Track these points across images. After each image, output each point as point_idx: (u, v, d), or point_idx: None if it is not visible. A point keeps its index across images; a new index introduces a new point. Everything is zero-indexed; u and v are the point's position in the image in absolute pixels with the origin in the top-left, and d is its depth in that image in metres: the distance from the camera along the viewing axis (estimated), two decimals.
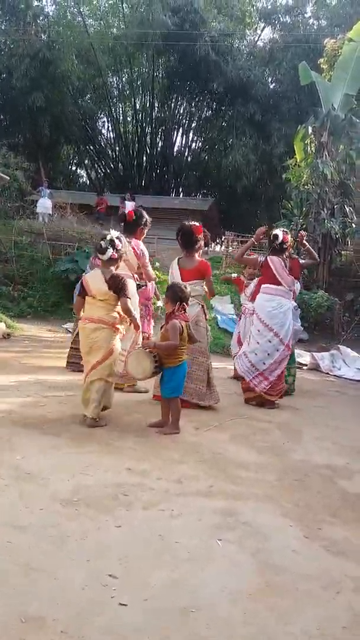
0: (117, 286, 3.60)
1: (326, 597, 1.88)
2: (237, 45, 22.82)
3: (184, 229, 4.59)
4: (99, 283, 3.64)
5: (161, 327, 3.88)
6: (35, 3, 21.73)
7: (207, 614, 1.70)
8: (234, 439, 3.69)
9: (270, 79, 22.73)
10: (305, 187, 11.71)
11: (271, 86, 22.44)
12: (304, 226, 11.70)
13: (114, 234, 3.81)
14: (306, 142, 12.16)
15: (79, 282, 3.97)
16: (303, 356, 8.11)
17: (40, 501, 2.39)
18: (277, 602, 1.81)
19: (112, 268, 3.75)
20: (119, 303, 3.65)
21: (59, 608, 1.65)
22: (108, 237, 3.75)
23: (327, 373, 7.63)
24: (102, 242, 3.74)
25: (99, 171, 27.83)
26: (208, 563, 2.02)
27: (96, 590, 1.76)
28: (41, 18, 22.04)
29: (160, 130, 25.59)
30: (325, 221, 11.28)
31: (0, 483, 2.56)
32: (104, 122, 26.60)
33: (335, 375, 7.52)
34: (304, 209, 11.98)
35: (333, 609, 1.82)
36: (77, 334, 4.25)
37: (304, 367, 7.83)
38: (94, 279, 3.68)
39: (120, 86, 25.03)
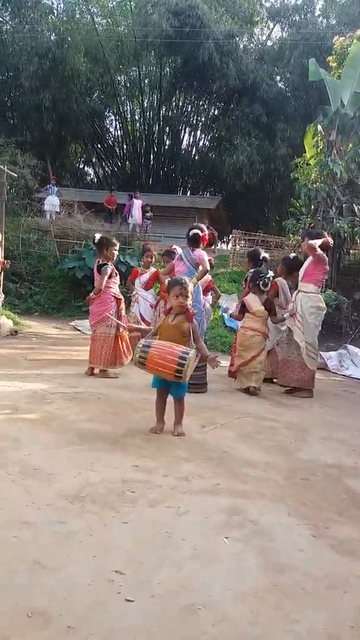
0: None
1: (333, 597, 1.86)
2: (244, 44, 22.72)
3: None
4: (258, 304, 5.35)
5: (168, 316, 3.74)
6: (44, 1, 21.75)
7: (214, 613, 1.69)
8: (241, 437, 3.67)
9: (278, 78, 22.63)
10: (314, 185, 11.63)
11: (278, 85, 22.33)
12: (312, 225, 11.63)
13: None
14: (315, 140, 12.09)
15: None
16: None
17: (46, 497, 2.39)
18: (283, 601, 1.80)
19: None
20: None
21: (65, 604, 1.65)
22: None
23: (335, 372, 7.59)
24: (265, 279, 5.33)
25: (107, 169, 27.89)
26: (214, 561, 2.01)
27: (102, 587, 1.76)
28: (50, 16, 22.05)
29: (167, 128, 25.59)
30: (334, 220, 11.20)
31: (7, 479, 2.56)
32: (111, 120, 26.68)
33: (343, 375, 7.48)
34: (312, 207, 11.90)
35: (340, 608, 1.80)
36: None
37: None
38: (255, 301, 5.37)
39: (128, 84, 25.04)
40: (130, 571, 1.87)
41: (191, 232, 5.21)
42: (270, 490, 2.77)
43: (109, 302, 5.38)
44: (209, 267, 5.27)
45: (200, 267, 5.17)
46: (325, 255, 5.51)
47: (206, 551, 2.07)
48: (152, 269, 6.82)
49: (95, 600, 1.68)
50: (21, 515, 2.21)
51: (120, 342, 5.41)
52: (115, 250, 5.51)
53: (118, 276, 5.60)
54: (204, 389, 5.12)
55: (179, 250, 6.83)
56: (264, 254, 6.25)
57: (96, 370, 5.35)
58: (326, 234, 5.94)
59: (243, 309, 5.49)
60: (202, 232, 5.23)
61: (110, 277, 5.40)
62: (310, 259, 5.57)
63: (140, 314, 6.62)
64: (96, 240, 5.57)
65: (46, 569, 1.83)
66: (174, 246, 6.97)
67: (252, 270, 6.19)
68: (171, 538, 2.14)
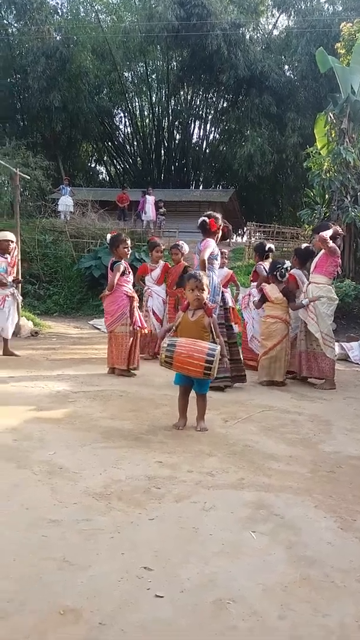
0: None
1: None
2: (250, 35, 22.47)
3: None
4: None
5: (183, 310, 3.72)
6: (49, 1, 21.81)
7: (243, 607, 1.69)
8: (264, 431, 3.66)
9: (286, 67, 22.34)
10: (327, 174, 11.46)
11: (287, 74, 22.04)
12: (327, 214, 11.47)
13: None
14: (326, 129, 11.90)
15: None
16: None
17: (73, 496, 2.43)
18: (312, 595, 1.80)
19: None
20: None
21: (95, 600, 1.67)
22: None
23: (357, 363, 7.50)
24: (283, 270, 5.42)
25: (118, 167, 27.96)
26: (241, 556, 2.01)
27: (132, 583, 1.78)
28: (55, 16, 22.11)
29: (177, 122, 25.52)
30: (349, 208, 11.03)
31: (33, 478, 2.61)
32: (121, 117, 26.75)
33: None
34: (327, 197, 11.74)
35: None
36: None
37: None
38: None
39: (136, 80, 25.03)
40: (158, 567, 1.89)
41: (199, 220, 5.09)
42: (295, 483, 2.76)
43: (120, 301, 5.36)
44: (205, 257, 4.90)
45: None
46: (336, 246, 5.51)
47: (233, 546, 2.08)
48: (162, 263, 6.84)
49: (125, 596, 1.70)
50: (48, 514, 2.24)
51: (135, 341, 5.39)
52: (127, 248, 5.50)
53: (131, 274, 5.59)
54: (244, 379, 5.15)
55: (185, 247, 6.86)
56: (269, 245, 6.46)
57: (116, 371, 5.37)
58: (332, 224, 5.92)
59: (263, 298, 5.50)
60: (209, 218, 5.02)
61: (122, 274, 5.38)
62: (322, 251, 5.57)
63: (152, 309, 6.67)
64: (107, 241, 5.61)
65: (75, 566, 1.86)
66: (181, 242, 7.12)
67: (259, 262, 6.26)
68: (198, 533, 2.15)
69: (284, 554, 2.05)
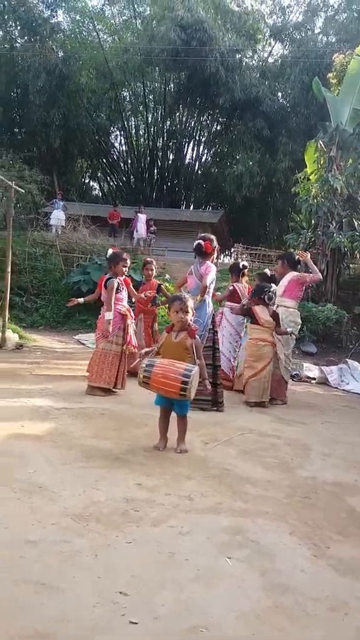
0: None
1: (334, 619, 1.89)
2: (246, 61, 23.12)
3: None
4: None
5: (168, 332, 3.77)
6: (53, 20, 22.28)
7: (216, 634, 1.71)
8: (243, 454, 3.70)
9: (280, 94, 22.96)
10: (315, 200, 11.76)
11: (280, 101, 22.65)
12: (313, 239, 11.73)
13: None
14: (316, 155, 12.25)
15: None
16: (312, 370, 8.10)
17: (51, 516, 2.43)
18: (284, 623, 1.83)
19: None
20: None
21: (69, 625, 1.68)
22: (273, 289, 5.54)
23: (336, 387, 7.61)
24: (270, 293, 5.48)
25: (112, 184, 28.21)
26: (217, 582, 2.04)
27: (107, 608, 1.79)
28: (58, 34, 22.53)
29: (171, 143, 25.94)
30: (334, 234, 11.31)
31: (13, 497, 2.60)
32: (117, 135, 27.13)
33: (343, 390, 7.49)
34: (313, 222, 12.02)
35: (341, 630, 1.83)
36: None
37: (313, 382, 7.82)
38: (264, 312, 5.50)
39: (133, 100, 25.45)
40: (134, 592, 1.90)
41: (195, 243, 5.31)
42: (271, 508, 2.80)
43: (113, 318, 5.31)
44: (207, 283, 5.14)
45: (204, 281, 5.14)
46: (303, 275, 6.09)
47: (209, 572, 2.10)
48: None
49: (99, 621, 1.71)
50: (26, 533, 2.24)
51: (121, 361, 5.25)
52: (125, 267, 5.44)
53: (125, 291, 5.52)
54: (220, 407, 5.06)
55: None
56: (243, 263, 6.99)
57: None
58: (295, 251, 6.65)
59: (251, 318, 5.61)
60: (204, 240, 5.20)
61: (117, 291, 5.31)
62: (289, 275, 6.01)
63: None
64: (107, 256, 5.61)
65: (51, 589, 1.86)
66: (149, 258, 7.47)
67: (235, 282, 6.56)
68: (174, 558, 2.17)
69: (258, 581, 2.07)
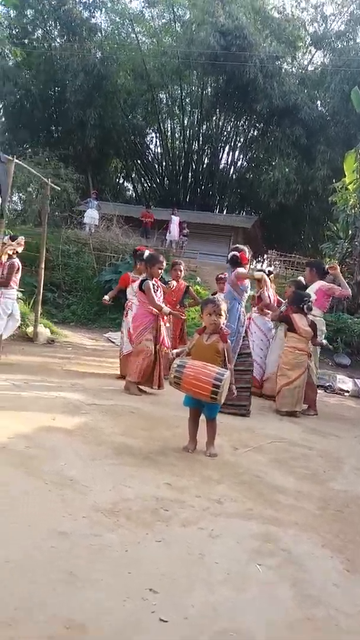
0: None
1: None
2: (286, 68, 22.93)
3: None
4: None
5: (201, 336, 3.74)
6: (92, 20, 22.63)
7: None
8: (274, 462, 3.65)
9: (319, 102, 22.69)
10: (353, 210, 11.56)
11: (319, 109, 22.37)
12: (349, 250, 11.53)
13: None
14: (355, 165, 12.06)
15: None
16: (345, 382, 7.95)
17: (82, 509, 2.44)
18: (316, 635, 1.78)
19: None
20: None
21: (101, 618, 1.68)
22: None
23: None
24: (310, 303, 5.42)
25: (145, 185, 28.39)
26: (247, 588, 2.01)
27: (137, 604, 1.79)
28: (96, 35, 22.89)
29: (206, 147, 25.91)
30: None
31: (44, 488, 2.63)
32: (152, 137, 27.24)
33: None
34: (350, 232, 11.83)
35: None
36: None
37: (346, 394, 7.66)
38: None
39: (170, 103, 25.56)
40: (163, 590, 1.89)
41: (229, 254, 5.31)
42: (302, 519, 2.74)
43: (144, 317, 5.35)
44: (243, 272, 5.23)
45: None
46: (333, 287, 6.06)
47: (239, 576, 2.07)
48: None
49: (130, 616, 1.71)
50: (58, 524, 2.26)
51: (159, 360, 5.31)
52: (161, 270, 5.47)
53: (160, 291, 5.53)
54: (246, 412, 5.04)
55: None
56: (268, 269, 7.25)
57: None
58: (330, 261, 6.52)
59: (289, 326, 5.53)
60: (239, 252, 5.22)
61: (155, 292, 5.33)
62: (317, 284, 5.98)
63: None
64: (144, 257, 5.62)
65: (83, 581, 1.87)
66: (178, 259, 7.61)
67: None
68: (203, 560, 2.15)
69: (289, 591, 2.03)
